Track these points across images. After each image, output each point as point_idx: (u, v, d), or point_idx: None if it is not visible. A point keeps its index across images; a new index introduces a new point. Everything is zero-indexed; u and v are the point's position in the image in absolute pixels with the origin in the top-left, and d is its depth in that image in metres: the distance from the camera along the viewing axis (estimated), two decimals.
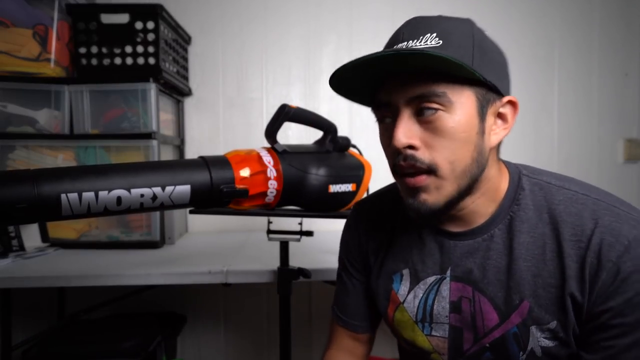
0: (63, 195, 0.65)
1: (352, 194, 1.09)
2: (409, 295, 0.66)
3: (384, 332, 1.93)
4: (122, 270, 1.17)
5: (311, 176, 1.00)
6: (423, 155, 0.55)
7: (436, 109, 0.54)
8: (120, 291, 1.60)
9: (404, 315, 0.67)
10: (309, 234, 1.16)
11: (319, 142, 1.14)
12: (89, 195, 0.67)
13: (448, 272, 0.63)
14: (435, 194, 0.56)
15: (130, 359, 1.29)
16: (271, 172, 0.92)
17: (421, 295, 0.65)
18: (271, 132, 1.02)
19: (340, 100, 1.79)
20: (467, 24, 0.57)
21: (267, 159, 0.95)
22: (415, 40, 0.54)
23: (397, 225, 0.71)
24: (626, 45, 1.89)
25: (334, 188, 1.04)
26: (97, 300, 1.61)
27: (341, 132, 1.13)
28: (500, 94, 0.57)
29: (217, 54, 1.76)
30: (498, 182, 0.61)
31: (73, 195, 0.66)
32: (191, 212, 1.07)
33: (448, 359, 0.64)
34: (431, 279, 0.64)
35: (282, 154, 0.99)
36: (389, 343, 1.83)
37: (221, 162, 0.85)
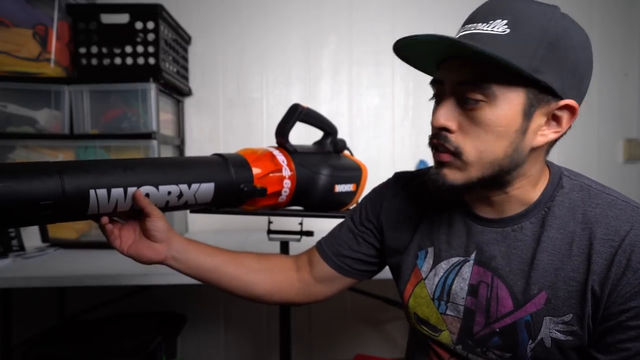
0: (92, 192, 0.60)
1: (352, 194, 1.10)
2: (430, 272, 0.67)
3: (384, 332, 1.92)
4: (122, 270, 1.16)
5: (321, 176, 1.00)
6: (455, 138, 0.57)
7: (478, 100, 0.54)
8: (120, 291, 1.60)
9: (422, 291, 0.68)
10: (309, 234, 1.16)
11: (318, 143, 1.15)
12: (117, 191, 0.63)
13: (473, 256, 0.64)
14: (455, 173, 0.58)
15: (130, 359, 1.29)
16: (286, 172, 0.92)
17: (442, 274, 0.66)
18: (283, 131, 1.01)
19: (340, 101, 1.80)
20: (548, 13, 0.53)
21: (281, 158, 0.95)
22: (485, 24, 0.54)
23: (429, 204, 0.71)
24: (626, 45, 1.89)
25: (339, 188, 1.04)
26: (97, 300, 1.61)
27: (341, 133, 1.13)
28: (558, 95, 0.54)
29: (217, 54, 1.76)
30: (537, 180, 0.61)
31: (102, 192, 0.61)
32: (191, 211, 1.07)
33: (457, 338, 0.65)
34: (454, 259, 0.65)
35: (293, 153, 0.99)
36: (389, 343, 1.83)
37: (240, 161, 0.83)
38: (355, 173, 1.12)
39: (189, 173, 0.72)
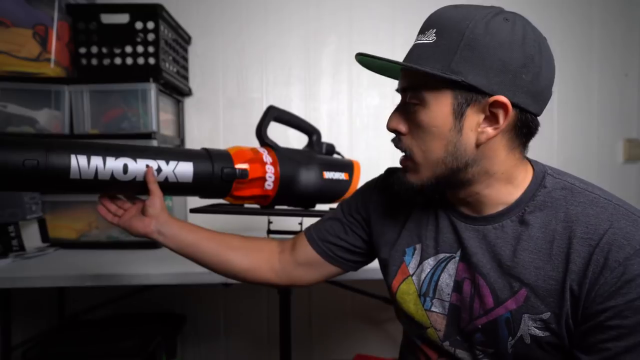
0: (73, 156, 0.68)
1: (346, 183, 1.11)
2: (417, 268, 0.69)
3: (384, 332, 1.92)
4: (122, 270, 1.17)
5: (305, 164, 1.03)
6: (406, 140, 0.63)
7: (415, 104, 0.60)
8: (120, 291, 1.60)
9: (409, 288, 0.69)
10: None
11: (307, 147, 1.18)
12: (97, 159, 0.70)
13: (458, 253, 0.65)
14: (414, 175, 0.63)
15: (130, 359, 1.29)
16: (267, 158, 0.96)
17: (429, 270, 0.67)
18: (260, 130, 1.06)
19: (340, 101, 1.80)
20: (472, 15, 0.56)
21: (261, 150, 0.98)
22: (422, 35, 0.60)
23: (417, 202, 0.72)
24: (626, 45, 1.89)
25: (328, 174, 1.07)
26: (97, 300, 1.61)
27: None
28: (487, 93, 0.56)
29: (217, 54, 1.76)
30: (511, 177, 0.62)
31: (82, 158, 0.69)
32: (192, 211, 1.07)
33: (444, 334, 0.66)
34: (441, 256, 0.67)
35: (274, 148, 1.02)
36: (389, 343, 1.83)
37: (220, 150, 0.90)
38: (345, 164, 1.14)
39: (167, 153, 0.79)
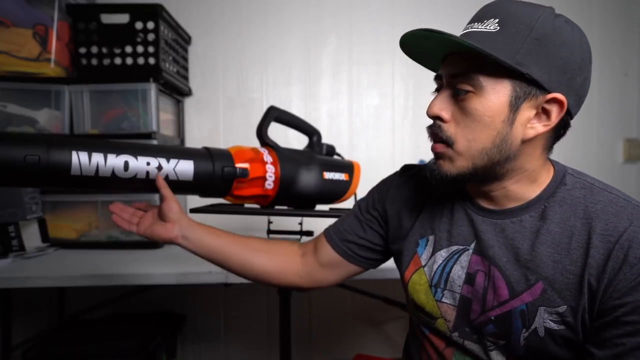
0: (74, 152, 0.68)
1: (346, 183, 1.11)
2: (430, 260, 0.69)
3: (384, 332, 1.92)
4: (122, 270, 1.17)
5: (305, 164, 1.04)
6: (447, 128, 0.61)
7: (467, 91, 0.58)
8: (120, 291, 1.60)
9: (421, 278, 0.70)
10: (309, 233, 1.16)
11: (307, 147, 1.18)
12: (98, 156, 0.70)
13: (472, 245, 0.65)
14: (449, 164, 0.61)
15: (130, 359, 1.29)
16: (267, 158, 0.96)
17: (441, 261, 0.68)
18: (260, 130, 1.06)
19: (340, 101, 1.80)
20: (538, 13, 0.56)
21: (262, 150, 0.98)
22: (479, 23, 0.58)
23: (433, 194, 0.73)
24: (626, 45, 1.89)
25: (328, 175, 1.07)
26: (97, 300, 1.62)
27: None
28: (545, 89, 0.56)
29: (217, 54, 1.76)
30: (537, 176, 0.63)
31: (83, 154, 0.69)
32: (192, 211, 1.07)
33: (453, 325, 0.66)
34: (454, 247, 0.67)
35: (275, 148, 1.02)
36: (389, 343, 1.83)
37: (221, 149, 0.90)
38: (345, 165, 1.14)
39: (168, 151, 0.79)
